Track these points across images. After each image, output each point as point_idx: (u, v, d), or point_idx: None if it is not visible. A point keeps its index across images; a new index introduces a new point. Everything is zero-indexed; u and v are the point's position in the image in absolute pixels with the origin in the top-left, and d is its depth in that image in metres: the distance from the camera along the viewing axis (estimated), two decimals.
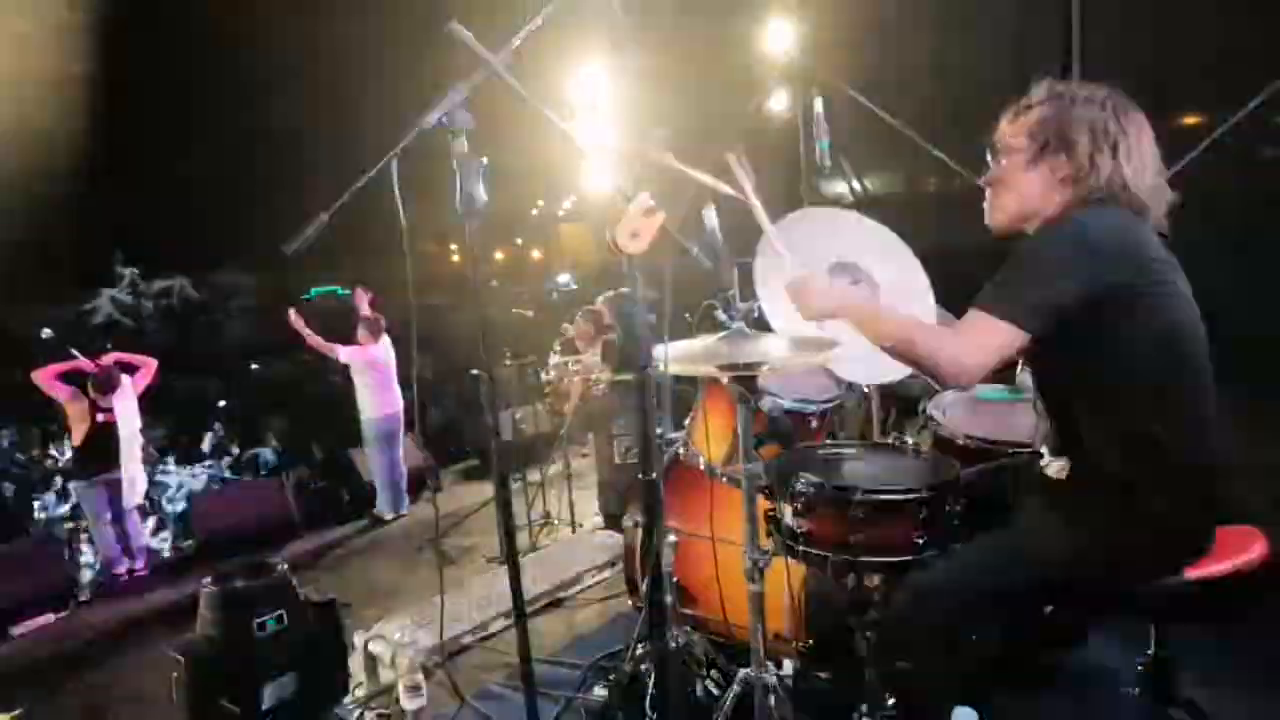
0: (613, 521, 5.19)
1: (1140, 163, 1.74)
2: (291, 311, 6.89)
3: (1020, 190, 1.83)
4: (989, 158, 1.90)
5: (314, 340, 6.80)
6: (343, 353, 6.86)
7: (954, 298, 2.30)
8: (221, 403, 11.85)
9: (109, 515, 6.06)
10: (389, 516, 7.03)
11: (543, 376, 6.26)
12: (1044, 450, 1.90)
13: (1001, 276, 1.70)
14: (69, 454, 8.38)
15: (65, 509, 7.66)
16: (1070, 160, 1.75)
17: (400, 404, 7.02)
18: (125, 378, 6.14)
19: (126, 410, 6.06)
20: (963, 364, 1.66)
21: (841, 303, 1.90)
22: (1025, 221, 1.85)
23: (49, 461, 9.54)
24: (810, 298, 1.91)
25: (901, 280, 2.47)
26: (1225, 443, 1.76)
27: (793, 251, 2.03)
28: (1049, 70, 1.88)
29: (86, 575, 6.23)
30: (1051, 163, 1.78)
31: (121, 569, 6.17)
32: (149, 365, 6.36)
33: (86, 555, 6.42)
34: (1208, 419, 1.72)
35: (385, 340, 6.99)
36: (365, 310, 6.99)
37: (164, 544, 7.29)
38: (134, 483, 6.06)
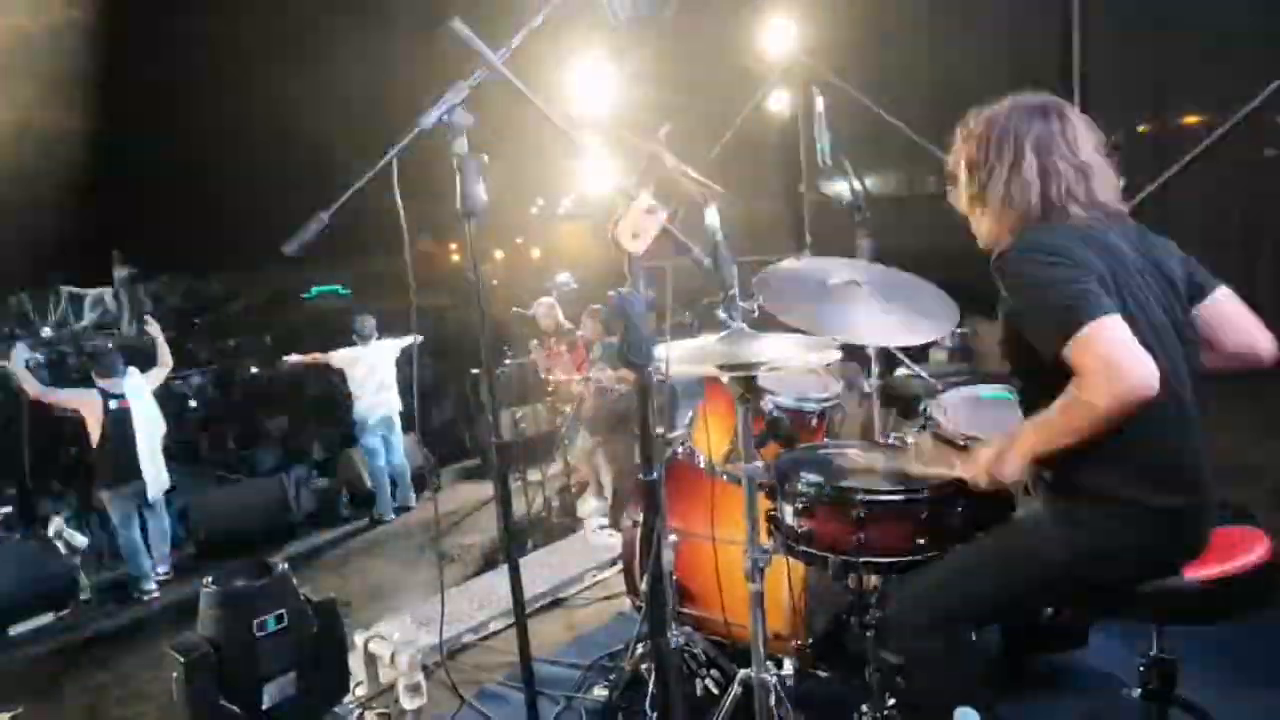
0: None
1: (1051, 157, 1.76)
2: (292, 356, 7.04)
3: (981, 217, 1.89)
4: (951, 186, 1.95)
5: (313, 359, 6.98)
6: (335, 358, 6.94)
7: (954, 298, 2.30)
8: (192, 404, 11.75)
9: (136, 521, 5.92)
10: (389, 517, 7.04)
11: (544, 376, 6.26)
12: None
13: (1045, 307, 1.65)
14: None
15: (67, 508, 7.61)
16: (994, 181, 1.80)
17: (396, 404, 7.05)
18: (134, 369, 6.05)
19: (141, 399, 5.91)
20: (1116, 382, 1.56)
21: (1021, 453, 1.78)
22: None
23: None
24: (1002, 468, 1.81)
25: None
26: (1205, 443, 1.75)
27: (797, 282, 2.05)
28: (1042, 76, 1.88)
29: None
30: (987, 189, 1.83)
31: (153, 584, 5.94)
32: (164, 364, 6.31)
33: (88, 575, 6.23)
34: (1183, 421, 1.71)
35: (379, 342, 7.02)
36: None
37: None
38: (157, 477, 5.86)
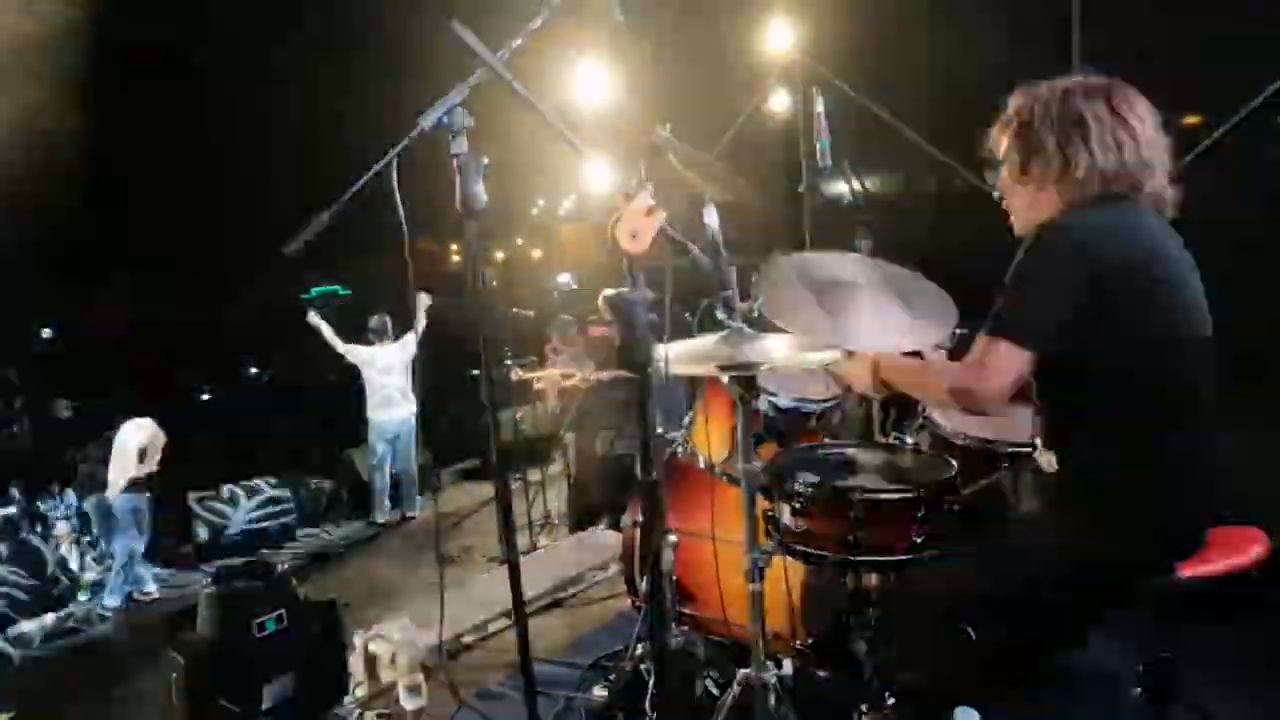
0: (587, 516, 5.18)
1: (1115, 141, 1.73)
2: (312, 315, 6.86)
3: (1024, 200, 1.86)
4: (990, 169, 1.93)
5: (333, 343, 6.84)
6: (350, 352, 6.87)
7: (955, 298, 2.30)
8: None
9: (116, 532, 5.94)
10: (381, 520, 7.01)
11: (513, 376, 6.22)
12: (1038, 441, 1.93)
13: (1002, 299, 1.72)
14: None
15: (61, 510, 7.61)
16: (1047, 161, 1.77)
17: (410, 408, 6.97)
18: (145, 420, 6.06)
19: (130, 434, 5.97)
20: (973, 391, 1.71)
21: (882, 374, 1.97)
22: None
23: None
24: (858, 379, 2.00)
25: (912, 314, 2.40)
26: (1216, 443, 1.76)
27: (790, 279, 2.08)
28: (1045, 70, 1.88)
29: (106, 599, 5.91)
30: (1036, 169, 1.80)
31: (150, 587, 5.98)
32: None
33: (90, 573, 6.19)
34: (1195, 419, 1.72)
35: (397, 343, 6.95)
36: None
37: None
38: (115, 480, 5.89)
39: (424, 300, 6.62)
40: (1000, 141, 1.88)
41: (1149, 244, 1.72)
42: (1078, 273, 1.65)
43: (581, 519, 5.26)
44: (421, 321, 6.70)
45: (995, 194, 1.95)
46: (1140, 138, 1.74)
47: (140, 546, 6.02)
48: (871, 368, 1.97)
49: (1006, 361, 1.68)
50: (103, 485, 5.89)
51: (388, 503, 7.05)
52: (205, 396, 13.10)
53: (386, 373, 6.82)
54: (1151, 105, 1.78)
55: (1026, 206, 1.86)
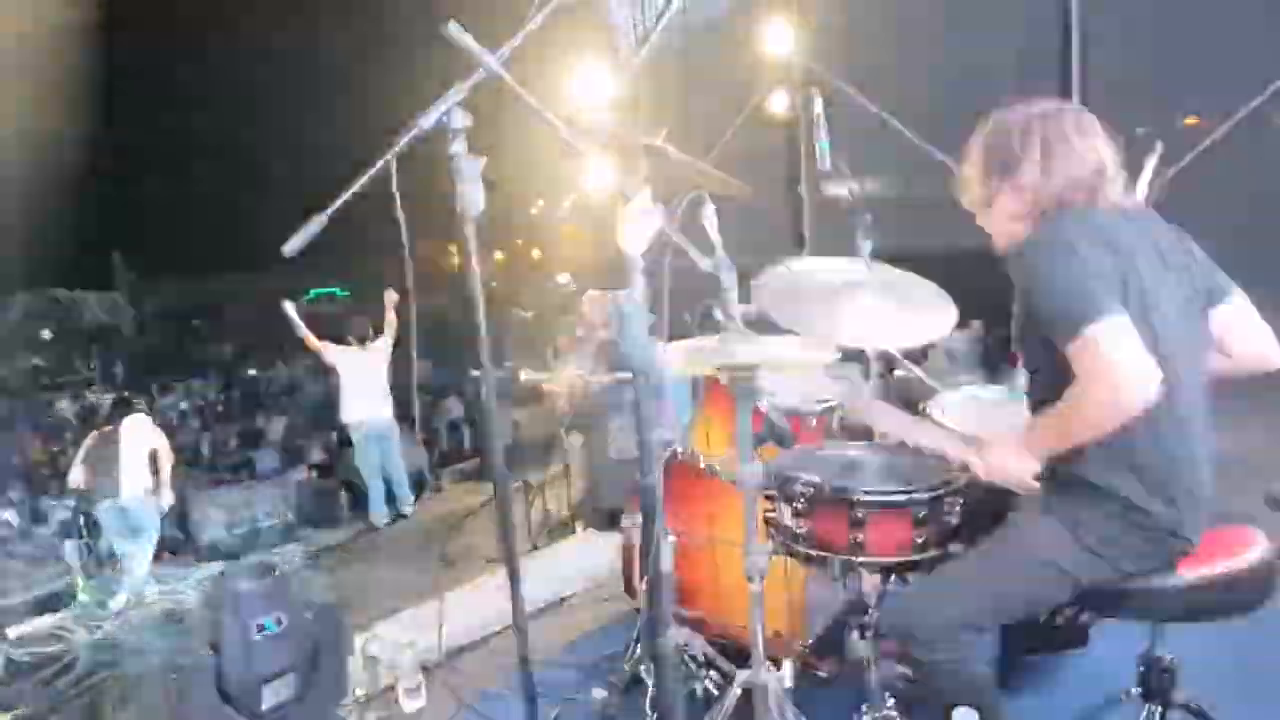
0: (601, 519, 5.17)
1: (1071, 156, 1.79)
2: (287, 304, 6.77)
3: (995, 216, 1.91)
4: (963, 190, 1.98)
5: (306, 337, 6.81)
6: (325, 351, 6.86)
7: (954, 300, 2.30)
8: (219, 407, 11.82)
9: (125, 538, 5.90)
10: (381, 523, 7.00)
11: (521, 376, 6.20)
12: None
13: (1054, 305, 1.68)
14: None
15: (65, 512, 7.61)
16: (1010, 179, 1.84)
17: (389, 409, 6.98)
18: (139, 416, 6.07)
19: (136, 436, 5.95)
20: (1117, 389, 1.57)
21: (1030, 450, 1.79)
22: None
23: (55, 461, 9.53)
24: (1004, 469, 1.82)
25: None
26: (1209, 448, 1.76)
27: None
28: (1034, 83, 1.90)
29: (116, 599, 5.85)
30: (1001, 188, 1.86)
31: (150, 588, 5.93)
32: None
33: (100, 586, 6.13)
34: (1183, 428, 1.73)
35: (370, 343, 6.96)
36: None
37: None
38: (132, 487, 5.82)
39: (391, 298, 6.64)
40: (971, 163, 1.94)
41: (1122, 249, 1.74)
42: (1080, 250, 1.69)
43: (598, 522, 5.25)
44: (392, 320, 6.71)
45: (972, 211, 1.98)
46: (1091, 154, 1.80)
47: (151, 549, 6.00)
48: (1014, 450, 1.81)
49: (1113, 342, 1.57)
50: (115, 491, 5.81)
51: (383, 503, 7.05)
52: (207, 395, 13.12)
53: (361, 374, 6.84)
54: (1106, 128, 1.85)
55: (998, 222, 1.91)
